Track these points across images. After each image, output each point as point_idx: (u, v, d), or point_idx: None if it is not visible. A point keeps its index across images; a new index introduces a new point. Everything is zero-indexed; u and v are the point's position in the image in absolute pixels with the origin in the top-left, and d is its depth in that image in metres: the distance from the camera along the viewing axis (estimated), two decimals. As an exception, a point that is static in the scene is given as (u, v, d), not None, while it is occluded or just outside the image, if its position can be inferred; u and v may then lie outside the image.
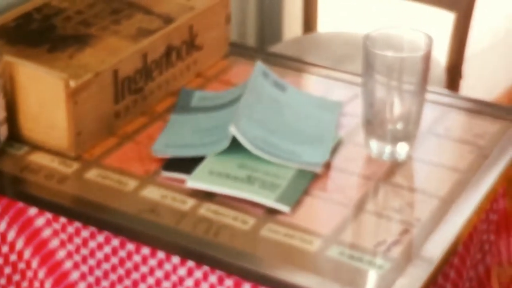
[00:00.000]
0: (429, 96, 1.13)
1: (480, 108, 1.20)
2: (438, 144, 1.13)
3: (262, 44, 1.97)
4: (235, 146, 1.08)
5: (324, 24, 1.92)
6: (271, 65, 1.26)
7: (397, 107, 1.08)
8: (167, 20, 1.24)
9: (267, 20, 1.97)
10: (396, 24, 1.15)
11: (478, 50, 2.23)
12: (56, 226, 1.05)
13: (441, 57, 1.72)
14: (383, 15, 2.11)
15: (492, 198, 1.06)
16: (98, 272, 1.04)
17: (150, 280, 1.00)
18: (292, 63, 1.37)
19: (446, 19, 1.74)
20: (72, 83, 1.07)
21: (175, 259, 0.98)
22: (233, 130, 1.07)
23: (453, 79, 1.73)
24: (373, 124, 1.10)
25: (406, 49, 1.08)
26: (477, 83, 2.17)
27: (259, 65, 1.22)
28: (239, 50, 1.40)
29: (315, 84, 1.32)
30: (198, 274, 0.97)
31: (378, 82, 1.07)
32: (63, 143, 1.11)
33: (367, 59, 1.07)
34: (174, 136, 1.15)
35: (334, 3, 2.03)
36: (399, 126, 1.09)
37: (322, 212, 1.04)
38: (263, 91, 1.19)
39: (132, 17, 1.24)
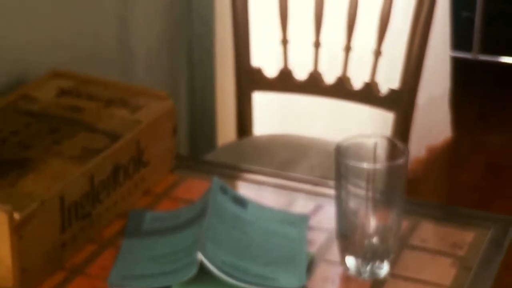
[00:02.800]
0: (401, 205, 1.07)
1: (452, 215, 1.15)
2: (417, 258, 1.06)
3: (195, 152, 1.88)
4: (202, 273, 0.97)
5: (257, 125, 1.85)
6: (215, 176, 1.17)
7: (375, 220, 1.01)
8: (113, 137, 1.14)
9: (199, 127, 1.89)
10: (364, 133, 1.09)
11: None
12: None
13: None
14: (317, 113, 2.08)
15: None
16: None
17: None
18: (242, 174, 1.29)
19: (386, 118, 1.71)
20: (17, 215, 0.96)
21: None
22: (200, 257, 0.97)
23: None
24: (348, 239, 1.02)
25: (380, 159, 1.02)
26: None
27: (216, 181, 1.13)
28: (184, 162, 1.31)
29: (273, 195, 1.23)
30: None
31: (353, 194, 1.00)
32: (7, 281, 0.98)
33: (339, 170, 1.00)
34: (130, 265, 1.04)
35: (267, 104, 1.97)
36: (377, 240, 1.02)
37: None
38: (224, 210, 1.10)
39: (74, 136, 1.13)
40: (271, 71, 1.77)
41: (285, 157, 1.68)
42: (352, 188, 1.00)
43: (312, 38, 1.72)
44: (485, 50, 3.21)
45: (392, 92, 1.67)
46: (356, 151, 1.02)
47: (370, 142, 1.03)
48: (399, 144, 1.00)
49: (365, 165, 0.99)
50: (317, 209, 1.16)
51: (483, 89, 3.21)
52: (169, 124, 1.26)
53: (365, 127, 2.08)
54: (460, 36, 3.03)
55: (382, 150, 1.02)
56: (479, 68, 3.27)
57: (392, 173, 0.99)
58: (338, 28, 1.71)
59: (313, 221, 1.13)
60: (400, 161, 0.99)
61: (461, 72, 2.98)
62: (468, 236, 1.10)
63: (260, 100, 1.83)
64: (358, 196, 1.00)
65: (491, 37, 3.20)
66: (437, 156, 2.67)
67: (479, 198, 2.57)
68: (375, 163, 1.01)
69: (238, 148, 1.75)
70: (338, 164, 1.00)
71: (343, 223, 1.02)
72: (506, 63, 3.20)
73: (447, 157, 2.78)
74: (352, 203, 1.01)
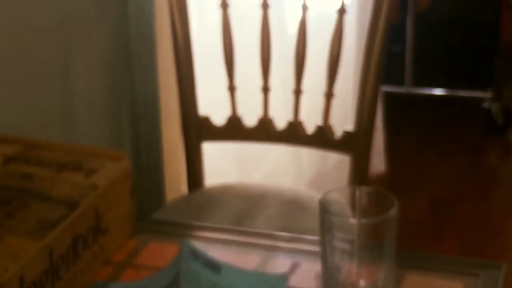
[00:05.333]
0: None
1: (437, 265, 1.09)
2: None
3: (144, 211, 1.79)
4: None
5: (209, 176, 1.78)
6: (185, 240, 1.09)
7: (363, 278, 0.94)
8: (70, 205, 1.04)
9: (146, 182, 1.80)
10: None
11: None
12: None
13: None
14: (269, 159, 2.01)
15: None
16: None
17: None
18: (206, 233, 1.21)
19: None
20: (-27, 304, 0.85)
21: None
22: (181, 334, 0.88)
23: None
24: (337, 300, 0.95)
25: (367, 212, 0.95)
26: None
27: (187, 244, 1.05)
28: (143, 224, 1.22)
29: (245, 255, 1.15)
30: None
31: (339, 250, 0.93)
32: None
33: (323, 225, 0.93)
34: None
35: (217, 153, 1.89)
36: (369, 299, 0.95)
37: None
38: (198, 277, 1.01)
39: (28, 207, 1.03)
40: (219, 119, 1.70)
41: (241, 209, 1.60)
42: (338, 244, 0.93)
43: (260, 83, 1.66)
44: (417, 83, 3.22)
45: (347, 134, 1.62)
46: (340, 204, 0.95)
47: (355, 193, 0.96)
48: (388, 195, 0.94)
49: (352, 219, 0.93)
50: (295, 267, 1.09)
51: (418, 122, 3.22)
52: (127, 185, 1.17)
53: (321, 172, 2.03)
54: (392, 70, 3.04)
55: (369, 202, 0.95)
56: (412, 101, 3.28)
57: (381, 226, 0.93)
58: (287, 71, 1.66)
59: (292, 281, 1.06)
60: (390, 213, 0.93)
61: (395, 106, 2.97)
62: (457, 286, 1.04)
63: (210, 149, 1.75)
64: (345, 252, 0.94)
65: (422, 70, 3.22)
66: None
67: (428, 234, 2.55)
68: (362, 216, 0.94)
69: (190, 203, 1.67)
70: (323, 218, 0.93)
71: (329, 282, 0.95)
72: (438, 95, 3.22)
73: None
74: (338, 260, 0.94)
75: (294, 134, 1.67)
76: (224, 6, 1.64)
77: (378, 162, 2.66)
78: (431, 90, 3.21)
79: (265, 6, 1.63)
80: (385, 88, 2.75)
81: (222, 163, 1.97)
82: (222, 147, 1.86)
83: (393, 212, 0.92)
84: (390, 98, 2.79)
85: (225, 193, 1.67)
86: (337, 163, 1.68)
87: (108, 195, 1.11)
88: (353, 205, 0.96)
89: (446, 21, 3.19)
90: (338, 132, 1.64)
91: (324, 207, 0.93)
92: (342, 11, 1.58)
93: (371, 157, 1.63)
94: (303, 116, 1.67)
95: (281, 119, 1.68)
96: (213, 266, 1.05)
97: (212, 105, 1.77)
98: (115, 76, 1.72)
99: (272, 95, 1.68)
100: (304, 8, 1.60)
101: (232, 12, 1.65)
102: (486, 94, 3.09)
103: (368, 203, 0.96)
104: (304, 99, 1.66)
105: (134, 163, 1.76)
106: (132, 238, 1.18)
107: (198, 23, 1.83)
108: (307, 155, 1.88)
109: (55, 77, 1.53)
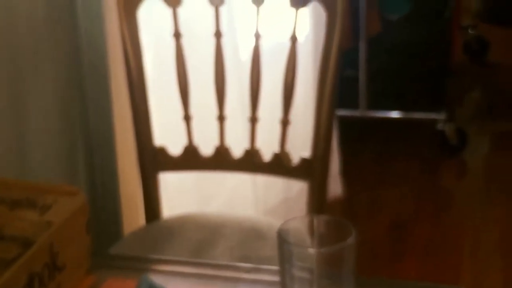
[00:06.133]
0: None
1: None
2: None
3: (101, 244, 1.76)
4: None
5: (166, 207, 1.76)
6: (144, 275, 1.07)
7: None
8: (25, 243, 1.02)
9: (103, 215, 1.78)
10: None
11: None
12: None
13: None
14: (226, 188, 2.00)
15: None
16: None
17: None
18: (165, 266, 1.19)
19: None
20: None
21: None
22: None
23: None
24: (298, 330, 0.94)
25: (326, 240, 0.95)
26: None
27: (145, 279, 1.03)
28: (100, 259, 1.21)
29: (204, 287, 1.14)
30: None
31: (298, 280, 0.93)
32: None
33: (282, 255, 0.93)
34: None
35: (174, 183, 1.88)
36: (330, 329, 0.94)
37: None
38: (157, 312, 1.00)
39: (-19, 247, 1.01)
40: (176, 149, 1.69)
41: (200, 239, 1.59)
42: (297, 273, 0.93)
43: (216, 112, 1.66)
44: (372, 106, 3.25)
45: (304, 161, 1.63)
46: (299, 232, 0.95)
47: (313, 222, 0.96)
48: (345, 223, 0.94)
49: (310, 249, 0.92)
50: (255, 298, 1.08)
51: (374, 145, 3.24)
52: (82, 221, 1.15)
53: (279, 199, 2.03)
54: (347, 95, 3.06)
55: (327, 231, 0.95)
56: (367, 125, 3.30)
57: (339, 255, 0.93)
58: (242, 100, 1.66)
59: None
60: (347, 242, 0.93)
61: (350, 129, 2.99)
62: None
63: (169, 179, 1.74)
64: (304, 281, 0.93)
65: (376, 94, 3.24)
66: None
67: (387, 255, 2.56)
68: (320, 245, 0.94)
69: (148, 235, 1.65)
70: (281, 249, 0.93)
71: (290, 313, 0.95)
72: (393, 118, 3.24)
73: (344, 218, 2.76)
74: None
75: (251, 162, 1.67)
76: (177, 35, 1.64)
77: (335, 186, 2.67)
78: (385, 113, 3.24)
79: (218, 35, 1.63)
80: (340, 112, 2.77)
81: (182, 192, 1.96)
82: (182, 177, 1.85)
83: (351, 240, 0.92)
84: (345, 122, 2.80)
85: (184, 223, 1.66)
86: (301, 190, 1.68)
87: (63, 232, 1.09)
88: (312, 233, 0.96)
89: (397, 44, 3.23)
90: (295, 159, 1.64)
91: (282, 238, 0.93)
92: (294, 39, 1.58)
93: (328, 182, 1.63)
94: (260, 144, 1.67)
95: (238, 147, 1.68)
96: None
97: (169, 135, 1.77)
98: (68, 109, 1.70)
99: (228, 123, 1.68)
100: (257, 36, 1.60)
101: (185, 41, 1.65)
102: (439, 116, 3.13)
103: (327, 232, 0.96)
104: (260, 126, 1.66)
105: (90, 196, 1.74)
106: (89, 274, 1.16)
107: (153, 53, 1.83)
108: (271, 182, 1.87)
109: (7, 112, 1.51)
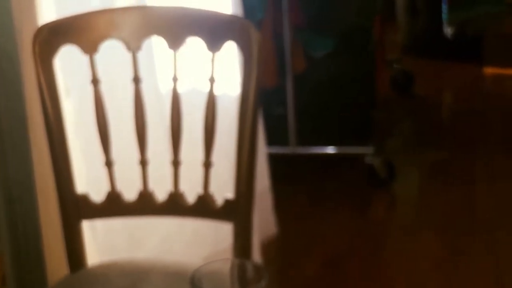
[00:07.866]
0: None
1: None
2: None
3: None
4: None
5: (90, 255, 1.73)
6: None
7: None
8: None
9: (26, 266, 1.74)
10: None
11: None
12: None
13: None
14: (152, 234, 1.98)
15: None
16: None
17: None
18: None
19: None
20: None
21: None
22: None
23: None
24: None
25: (238, 284, 0.94)
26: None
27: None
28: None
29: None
30: None
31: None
32: None
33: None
34: None
35: (104, 230, 1.85)
36: None
37: None
38: None
39: None
40: (99, 196, 1.67)
41: (124, 286, 1.56)
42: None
43: (137, 157, 1.65)
44: (301, 143, 3.27)
45: (227, 202, 1.62)
46: (213, 277, 0.94)
47: (226, 266, 0.96)
48: (258, 266, 0.94)
49: (225, 293, 0.92)
50: None
51: (305, 181, 3.25)
52: (-3, 275, 1.12)
53: (205, 242, 2.02)
54: (276, 132, 3.07)
55: (240, 274, 0.95)
56: (298, 161, 3.32)
57: (254, 297, 0.92)
58: (165, 143, 1.65)
59: None
60: (260, 285, 0.92)
61: (281, 166, 3.00)
62: None
63: (98, 225, 1.72)
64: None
65: (305, 130, 3.27)
66: (268, 257, 2.61)
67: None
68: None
69: (71, 284, 1.62)
70: (195, 295, 0.92)
71: None
72: (322, 153, 3.26)
73: (279, 256, 2.75)
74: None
75: (175, 205, 1.66)
76: (95, 82, 1.63)
77: (269, 225, 2.67)
78: (315, 149, 3.26)
79: (136, 80, 1.63)
80: (271, 150, 2.77)
81: (112, 237, 1.94)
82: (111, 222, 1.83)
83: (263, 284, 0.91)
84: (276, 159, 2.81)
85: (108, 271, 1.63)
86: (221, 235, 1.67)
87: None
88: (226, 277, 0.95)
89: (323, 80, 3.26)
90: (219, 200, 1.64)
91: (196, 282, 0.92)
92: (212, 80, 1.59)
93: (255, 223, 1.63)
94: (185, 187, 1.66)
95: (162, 191, 1.67)
96: None
97: (93, 181, 1.74)
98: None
99: (152, 167, 1.67)
100: (175, 79, 1.60)
101: (107, 87, 1.64)
102: (367, 150, 3.16)
103: (242, 275, 0.95)
104: (183, 169, 1.65)
105: (12, 247, 1.70)
106: (6, 330, 1.13)
107: (76, 98, 1.81)
108: (192, 226, 1.86)
109: None
